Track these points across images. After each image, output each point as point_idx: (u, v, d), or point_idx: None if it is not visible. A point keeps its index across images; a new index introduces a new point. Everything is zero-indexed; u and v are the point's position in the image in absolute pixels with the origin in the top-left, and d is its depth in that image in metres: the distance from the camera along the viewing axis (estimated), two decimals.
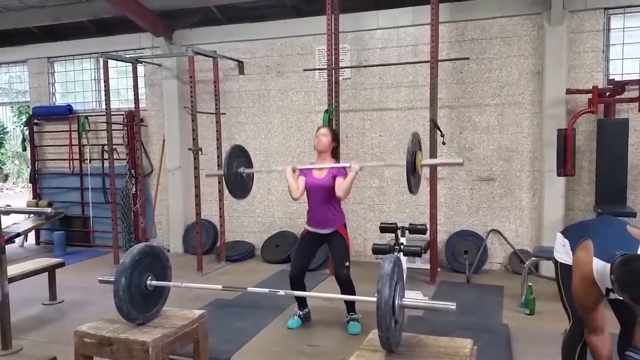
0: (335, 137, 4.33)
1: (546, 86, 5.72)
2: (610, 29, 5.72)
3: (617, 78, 5.58)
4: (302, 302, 4.38)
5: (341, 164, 4.19)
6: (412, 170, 3.50)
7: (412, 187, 3.60)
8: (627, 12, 5.66)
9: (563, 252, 2.83)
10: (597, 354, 2.62)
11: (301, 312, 4.35)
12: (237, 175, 4.19)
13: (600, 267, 2.42)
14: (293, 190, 4.09)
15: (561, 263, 2.84)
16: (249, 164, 4.36)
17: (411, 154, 3.47)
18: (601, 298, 2.52)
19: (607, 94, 5.46)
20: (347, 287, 4.12)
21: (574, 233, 2.83)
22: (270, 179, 7.09)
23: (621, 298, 2.36)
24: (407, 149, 3.46)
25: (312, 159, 4.29)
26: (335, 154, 4.35)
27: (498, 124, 6.08)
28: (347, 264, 4.13)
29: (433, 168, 5.55)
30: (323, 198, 4.14)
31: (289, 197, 4.20)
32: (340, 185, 4.02)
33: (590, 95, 5.35)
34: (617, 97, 5.40)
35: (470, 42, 6.10)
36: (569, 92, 5.52)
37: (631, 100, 5.27)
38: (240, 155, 4.28)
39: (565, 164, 5.27)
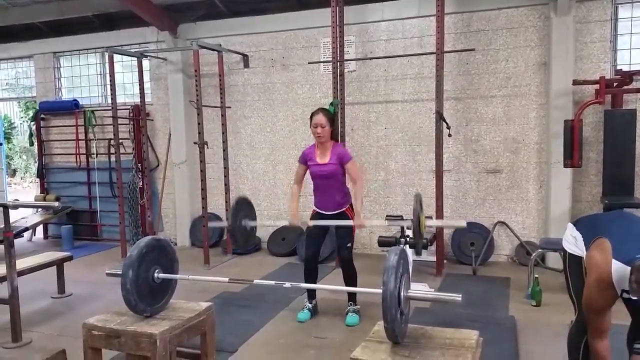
0: (332, 121, 4.22)
1: (553, 77, 5.68)
2: (618, 19, 5.66)
3: (625, 68, 5.53)
4: (312, 293, 4.42)
5: (345, 222, 4.10)
6: (418, 231, 3.51)
7: (419, 249, 3.68)
8: (635, 2, 5.59)
9: (572, 243, 2.76)
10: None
11: (310, 305, 4.37)
12: (242, 227, 3.97)
13: (619, 268, 2.34)
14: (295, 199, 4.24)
15: (570, 253, 2.77)
16: (254, 216, 4.10)
17: (417, 217, 3.44)
18: (614, 301, 2.46)
19: (615, 84, 5.41)
20: (348, 267, 4.22)
21: (587, 227, 2.73)
22: (276, 172, 7.10)
23: (636, 298, 2.30)
24: (413, 211, 3.46)
25: (317, 151, 4.27)
26: (333, 136, 4.29)
27: (504, 116, 6.05)
28: (348, 244, 4.20)
29: (439, 160, 5.54)
30: (328, 183, 4.16)
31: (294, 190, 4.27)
32: (355, 188, 4.11)
33: (597, 86, 5.32)
34: (625, 87, 5.36)
35: (476, 33, 6.07)
36: (575, 82, 5.47)
37: (639, 90, 5.23)
38: (245, 208, 4.04)
39: (572, 156, 5.24)
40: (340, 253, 4.28)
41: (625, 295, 2.40)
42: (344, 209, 4.21)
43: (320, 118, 4.13)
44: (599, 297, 2.46)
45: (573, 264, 2.75)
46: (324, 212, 4.24)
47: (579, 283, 2.68)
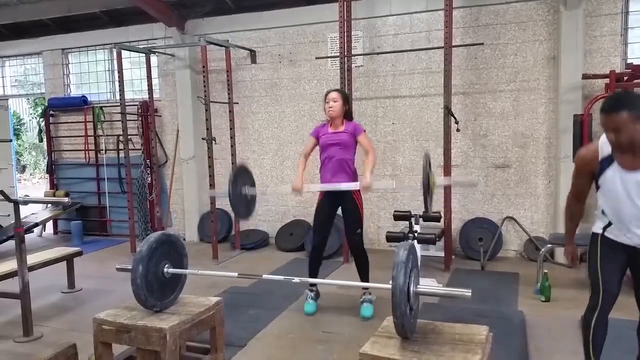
0: (346, 99, 4.24)
1: (562, 71, 5.63)
2: (628, 12, 5.60)
3: (636, 62, 5.47)
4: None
5: (351, 185, 4.11)
6: (427, 191, 3.52)
7: (428, 207, 3.66)
8: None
9: (592, 222, 2.83)
10: (566, 208, 2.97)
11: (312, 293, 4.37)
12: (242, 196, 4.04)
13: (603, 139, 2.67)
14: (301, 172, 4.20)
15: (592, 232, 2.83)
16: (253, 183, 4.18)
17: (426, 176, 3.46)
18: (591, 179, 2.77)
19: (625, 78, 5.35)
20: (358, 253, 4.22)
21: None
22: (283, 168, 7.10)
23: (608, 142, 2.62)
24: (423, 169, 3.47)
25: (330, 127, 4.26)
26: (347, 115, 4.27)
27: (513, 110, 6.01)
28: (358, 230, 4.18)
29: (447, 155, 5.52)
30: (339, 151, 4.12)
31: None
32: (367, 159, 4.08)
33: (607, 80, 5.26)
34: (635, 81, 5.30)
35: (484, 28, 6.03)
36: (585, 77, 5.43)
37: None
38: (244, 175, 4.11)
39: None
40: (349, 239, 4.25)
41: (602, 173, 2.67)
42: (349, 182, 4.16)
43: (334, 94, 4.20)
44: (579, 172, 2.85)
45: (590, 243, 2.81)
46: (330, 189, 4.16)
47: (591, 262, 2.76)
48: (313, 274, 4.32)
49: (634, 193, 2.55)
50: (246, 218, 4.52)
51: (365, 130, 4.29)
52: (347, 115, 4.26)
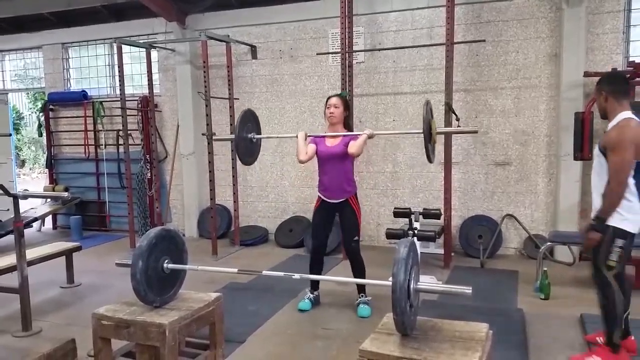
0: (347, 106, 4.28)
1: (563, 69, 5.62)
2: (631, 9, 5.58)
3: (638, 60, 5.45)
4: (315, 284, 4.43)
5: (354, 133, 4.18)
6: (429, 138, 3.56)
7: (430, 155, 3.70)
8: None
9: None
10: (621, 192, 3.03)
11: (312, 295, 4.38)
12: (247, 140, 4.24)
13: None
14: (301, 152, 4.13)
15: None
16: (259, 130, 4.41)
17: (427, 124, 3.48)
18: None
19: (627, 76, 5.34)
20: (355, 259, 4.22)
21: None
22: (283, 164, 7.09)
23: None
24: (423, 119, 3.51)
25: (327, 135, 4.26)
26: (347, 124, 4.30)
27: (514, 108, 6.00)
28: (355, 238, 4.19)
29: (448, 152, 5.51)
30: (335, 166, 4.13)
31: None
32: (353, 144, 4.02)
33: None
34: (638, 79, 5.29)
35: (486, 24, 6.01)
36: (587, 74, 5.41)
37: None
38: (251, 120, 4.31)
39: (582, 148, 5.20)
40: (347, 246, 4.28)
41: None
42: (348, 196, 4.18)
43: (335, 99, 4.22)
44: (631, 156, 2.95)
45: None
46: (328, 201, 4.20)
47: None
48: (315, 274, 4.32)
49: None
50: (250, 164, 4.55)
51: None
52: (347, 123, 4.29)
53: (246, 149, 4.27)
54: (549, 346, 3.54)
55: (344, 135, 4.14)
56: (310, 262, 4.33)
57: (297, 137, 4.17)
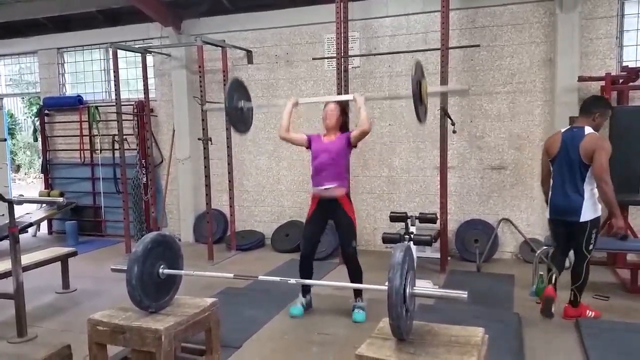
0: (344, 110, 4.30)
1: (558, 74, 5.65)
2: (624, 15, 5.63)
3: (631, 65, 5.50)
4: (306, 288, 4.43)
5: (344, 97, 4.20)
6: (419, 99, 3.52)
7: (420, 116, 3.66)
8: None
9: None
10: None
11: (304, 300, 4.37)
12: (238, 109, 4.21)
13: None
14: (282, 127, 4.21)
15: None
16: (249, 98, 4.38)
17: (416, 83, 3.45)
18: None
19: (621, 81, 5.39)
20: (352, 264, 4.20)
21: None
22: (279, 169, 7.09)
23: None
24: (412, 78, 3.47)
25: (324, 137, 4.28)
26: (344, 129, 4.31)
27: (509, 112, 6.02)
28: (353, 244, 4.18)
29: (443, 156, 5.53)
30: (330, 156, 4.11)
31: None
32: (360, 123, 4.03)
33: (603, 83, 5.30)
34: (631, 84, 5.33)
35: (481, 30, 6.04)
36: (581, 79, 5.45)
37: None
38: (239, 89, 4.28)
39: None
40: (344, 251, 4.28)
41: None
42: (342, 189, 4.15)
43: (332, 105, 4.26)
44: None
45: None
46: (321, 195, 4.13)
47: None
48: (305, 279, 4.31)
49: None
50: (244, 133, 4.53)
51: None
52: (344, 127, 4.30)
53: (237, 117, 4.23)
54: (544, 350, 3.55)
55: (340, 135, 4.17)
56: (300, 267, 4.31)
57: (286, 105, 4.21)
